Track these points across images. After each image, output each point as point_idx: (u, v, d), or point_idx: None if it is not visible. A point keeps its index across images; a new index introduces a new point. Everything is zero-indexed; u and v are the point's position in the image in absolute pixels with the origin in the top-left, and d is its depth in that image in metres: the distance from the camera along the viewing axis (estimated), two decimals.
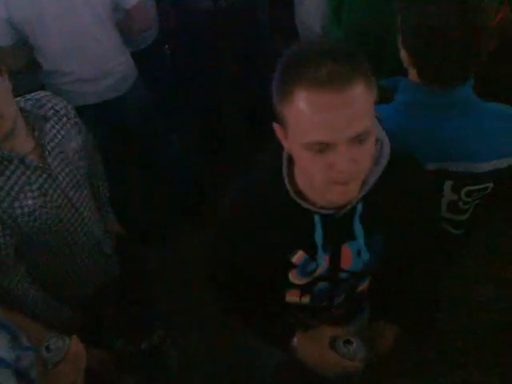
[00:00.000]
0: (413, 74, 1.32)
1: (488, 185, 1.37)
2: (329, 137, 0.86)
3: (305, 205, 1.04)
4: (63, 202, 1.37)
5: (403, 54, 1.29)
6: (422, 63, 1.26)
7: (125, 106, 2.16)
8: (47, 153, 1.32)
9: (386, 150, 1.04)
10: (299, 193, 1.05)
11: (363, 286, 1.27)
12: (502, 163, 1.32)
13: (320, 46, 0.89)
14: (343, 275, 1.18)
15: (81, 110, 2.02)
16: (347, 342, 1.18)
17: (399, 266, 1.26)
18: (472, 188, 1.37)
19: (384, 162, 1.04)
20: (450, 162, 1.32)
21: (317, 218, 1.05)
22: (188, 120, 2.73)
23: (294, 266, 1.14)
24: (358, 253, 1.12)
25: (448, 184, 1.36)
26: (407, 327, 1.35)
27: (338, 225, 1.07)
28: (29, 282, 1.40)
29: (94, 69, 2.03)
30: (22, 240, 1.35)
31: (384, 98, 1.38)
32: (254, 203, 1.10)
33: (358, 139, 0.88)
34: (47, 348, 1.14)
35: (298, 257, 1.12)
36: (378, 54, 1.36)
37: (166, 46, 2.70)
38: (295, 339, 1.22)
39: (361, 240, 1.08)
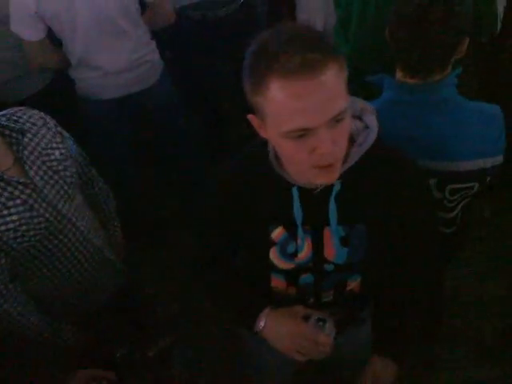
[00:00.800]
0: (398, 70, 1.33)
1: (473, 184, 1.36)
2: (308, 122, 0.88)
3: (285, 176, 1.07)
4: (52, 214, 1.34)
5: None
6: (403, 53, 1.28)
7: (151, 97, 2.17)
8: (28, 167, 1.30)
9: (372, 136, 1.06)
10: (282, 166, 1.07)
11: (353, 284, 1.23)
12: (486, 163, 1.32)
13: (288, 34, 0.89)
14: (328, 267, 1.17)
15: (106, 103, 2.09)
16: (321, 321, 1.14)
17: (391, 264, 1.25)
18: (456, 186, 1.37)
19: (366, 146, 1.05)
20: (431, 160, 1.32)
21: (295, 190, 1.08)
22: (189, 121, 2.74)
23: (273, 243, 1.15)
24: (341, 242, 1.13)
25: (432, 182, 1.37)
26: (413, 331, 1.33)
27: (316, 202, 1.08)
28: (26, 302, 1.39)
29: (122, 61, 2.04)
30: (15, 259, 1.34)
31: (371, 93, 1.39)
32: (240, 172, 1.15)
33: (335, 120, 0.90)
34: None
35: (278, 233, 1.13)
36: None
37: (167, 52, 2.72)
38: (263, 315, 1.19)
39: (334, 222, 1.09)
